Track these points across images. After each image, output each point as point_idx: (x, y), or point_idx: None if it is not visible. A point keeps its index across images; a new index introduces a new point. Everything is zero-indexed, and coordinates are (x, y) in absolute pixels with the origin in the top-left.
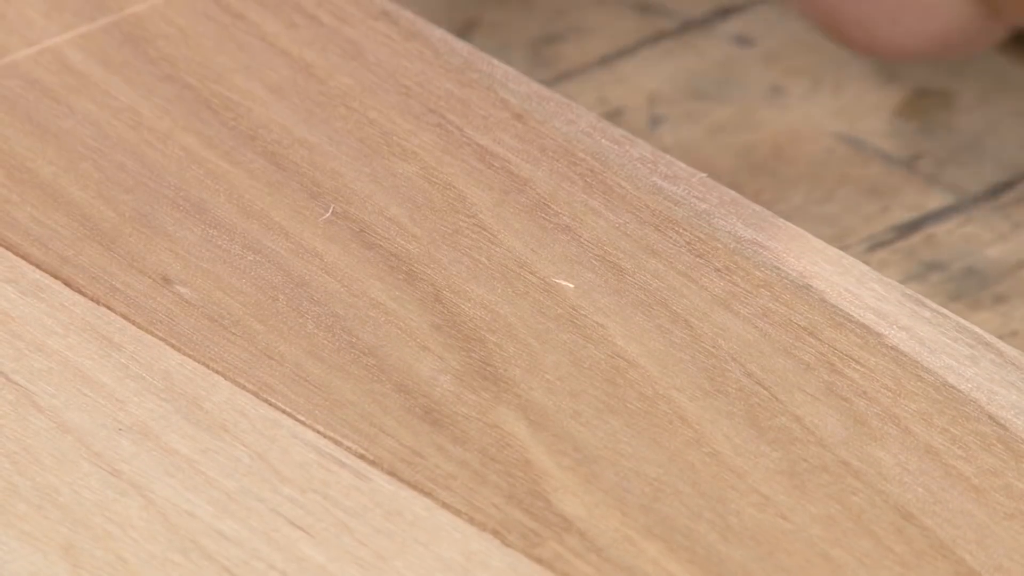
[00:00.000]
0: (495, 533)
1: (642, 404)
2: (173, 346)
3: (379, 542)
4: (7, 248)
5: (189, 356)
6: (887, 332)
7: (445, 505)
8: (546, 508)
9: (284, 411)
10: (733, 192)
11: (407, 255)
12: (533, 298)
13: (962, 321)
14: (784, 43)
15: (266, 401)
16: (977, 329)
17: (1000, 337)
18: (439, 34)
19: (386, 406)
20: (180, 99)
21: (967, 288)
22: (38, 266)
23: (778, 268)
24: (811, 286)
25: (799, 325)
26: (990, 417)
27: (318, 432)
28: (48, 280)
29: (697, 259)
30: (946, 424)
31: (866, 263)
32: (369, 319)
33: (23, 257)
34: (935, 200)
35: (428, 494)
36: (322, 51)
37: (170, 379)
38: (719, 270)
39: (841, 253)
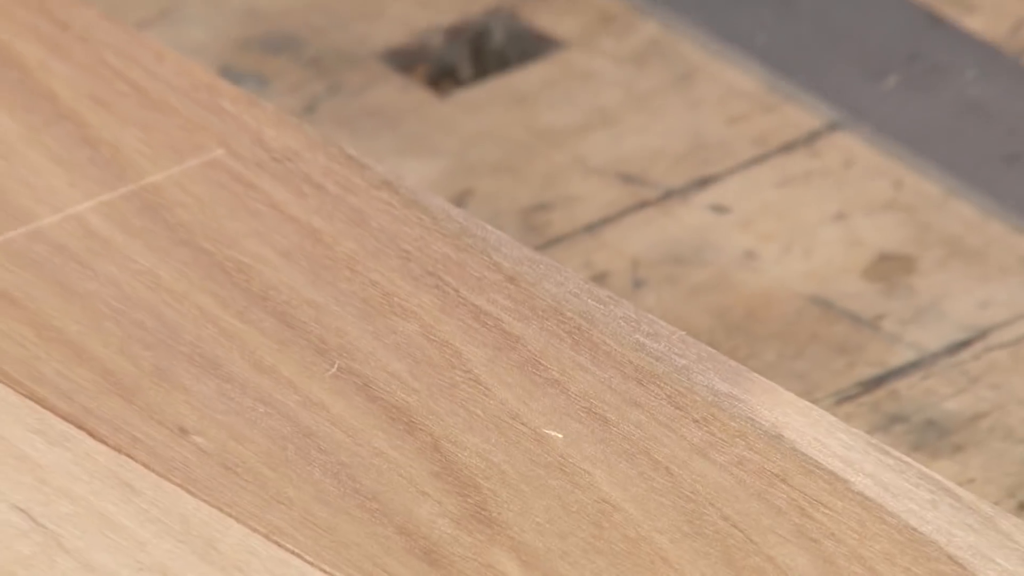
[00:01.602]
0: None
1: (626, 545)
2: (190, 492)
3: None
4: (35, 400)
5: (204, 501)
6: (853, 478)
7: None
8: None
9: (293, 552)
10: (710, 349)
11: (407, 407)
12: (525, 447)
13: (923, 468)
14: (757, 211)
15: (276, 543)
16: (937, 476)
17: (959, 484)
18: (437, 202)
19: (388, 547)
20: (196, 262)
21: (927, 438)
22: (64, 417)
23: (752, 419)
24: (783, 436)
25: (772, 472)
26: (949, 557)
27: (325, 572)
28: (73, 430)
29: (677, 411)
30: (908, 564)
31: (834, 415)
32: (372, 466)
33: (50, 409)
34: (898, 357)
35: None
36: (328, 218)
37: (187, 522)
38: (697, 421)
39: (811, 405)
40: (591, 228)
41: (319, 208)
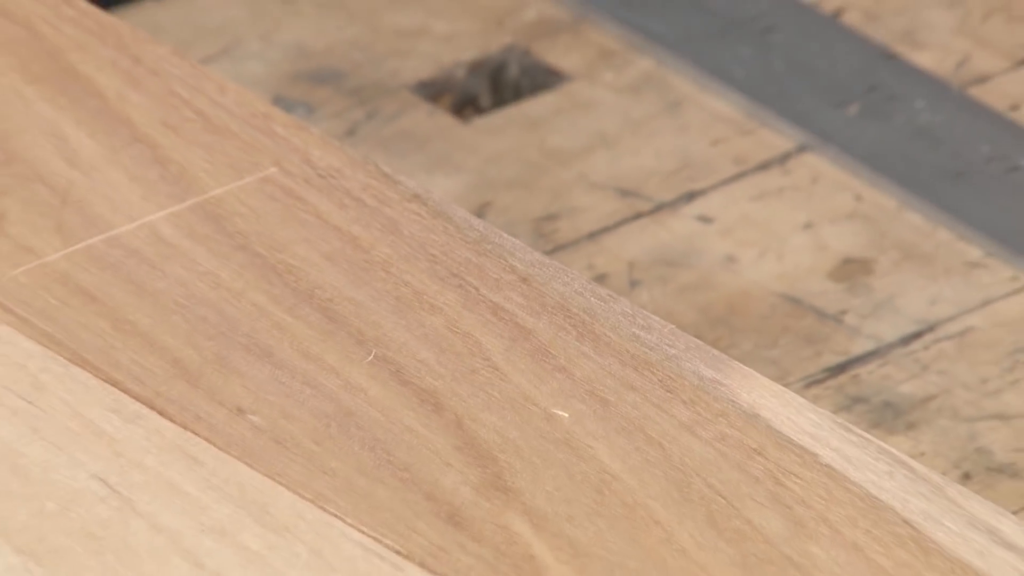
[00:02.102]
0: None
1: (624, 510)
2: (246, 463)
3: None
4: (112, 384)
5: (259, 471)
6: (821, 452)
7: None
8: None
9: (335, 515)
10: (697, 340)
11: (434, 390)
12: (536, 425)
13: (881, 444)
14: (737, 221)
15: (321, 508)
16: (893, 450)
17: (912, 457)
18: (460, 213)
19: (417, 511)
20: (252, 265)
21: (885, 417)
22: (137, 399)
23: (733, 401)
24: (759, 415)
25: (750, 446)
26: (904, 521)
27: (363, 532)
28: (145, 410)
29: (668, 393)
30: (869, 526)
31: (804, 397)
32: (404, 441)
33: (125, 391)
34: (859, 347)
35: None
36: (366, 227)
37: (243, 489)
38: (685, 402)
39: (783, 389)
40: (593, 235)
41: (358, 218)
